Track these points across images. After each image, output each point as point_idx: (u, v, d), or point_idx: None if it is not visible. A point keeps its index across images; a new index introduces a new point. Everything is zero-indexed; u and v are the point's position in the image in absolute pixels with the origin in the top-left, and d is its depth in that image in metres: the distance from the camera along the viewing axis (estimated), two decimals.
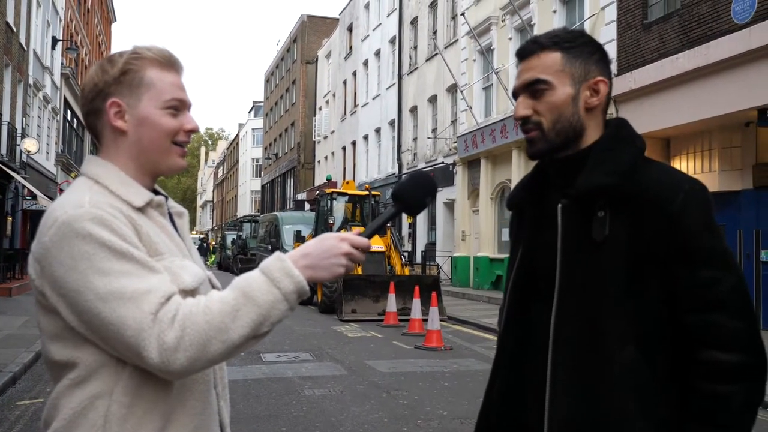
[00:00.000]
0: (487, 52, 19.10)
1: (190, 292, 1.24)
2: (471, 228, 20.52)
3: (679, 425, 1.30)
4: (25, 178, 20.41)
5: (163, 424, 1.22)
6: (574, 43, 1.41)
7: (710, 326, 1.29)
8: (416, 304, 11.38)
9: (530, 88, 1.41)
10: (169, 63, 1.33)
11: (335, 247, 1.25)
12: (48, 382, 7.02)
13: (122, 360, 1.19)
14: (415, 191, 1.38)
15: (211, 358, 1.16)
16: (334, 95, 38.32)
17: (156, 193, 1.37)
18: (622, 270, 1.33)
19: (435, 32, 24.17)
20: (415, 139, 26.20)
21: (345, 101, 35.94)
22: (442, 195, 22.69)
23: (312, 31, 44.41)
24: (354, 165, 33.77)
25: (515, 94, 1.45)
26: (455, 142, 21.21)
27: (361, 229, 1.40)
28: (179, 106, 1.33)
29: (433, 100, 24.66)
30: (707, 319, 1.29)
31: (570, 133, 1.40)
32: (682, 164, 12.19)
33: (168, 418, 1.23)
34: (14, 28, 20.31)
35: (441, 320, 10.96)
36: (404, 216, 24.73)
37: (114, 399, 1.19)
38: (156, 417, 1.22)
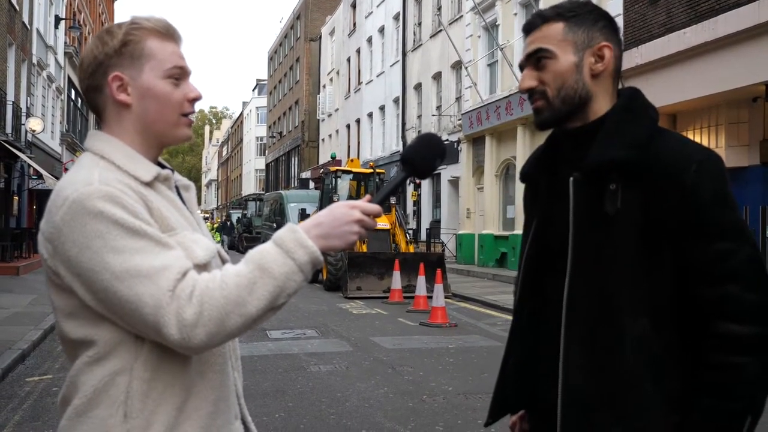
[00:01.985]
0: (492, 28, 18.91)
1: (203, 266, 1.24)
2: (476, 205, 20.50)
3: (691, 398, 1.30)
4: (30, 158, 20.42)
5: (185, 397, 1.23)
6: (577, 11, 1.40)
7: (724, 298, 1.27)
8: (421, 281, 11.42)
9: (533, 59, 1.41)
10: (168, 33, 1.31)
11: (347, 214, 1.24)
12: (56, 359, 7.10)
13: (140, 336, 1.19)
14: (425, 153, 1.36)
15: (230, 332, 1.17)
16: (338, 73, 38.08)
17: (162, 166, 1.35)
18: (635, 243, 1.32)
19: (439, 8, 23.91)
20: (419, 117, 26.07)
21: (349, 79, 35.71)
22: (447, 172, 22.64)
23: (315, 8, 43.99)
24: (358, 143, 33.66)
25: (522, 68, 1.44)
26: (460, 120, 21.09)
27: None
28: (181, 75, 1.31)
29: (437, 77, 24.48)
30: (721, 291, 1.27)
31: (575, 101, 1.39)
32: None
33: (189, 391, 1.24)
34: (17, 7, 20.19)
35: (446, 297, 10.99)
36: (409, 194, 24.98)
37: (134, 375, 1.19)
38: (177, 391, 1.22)
